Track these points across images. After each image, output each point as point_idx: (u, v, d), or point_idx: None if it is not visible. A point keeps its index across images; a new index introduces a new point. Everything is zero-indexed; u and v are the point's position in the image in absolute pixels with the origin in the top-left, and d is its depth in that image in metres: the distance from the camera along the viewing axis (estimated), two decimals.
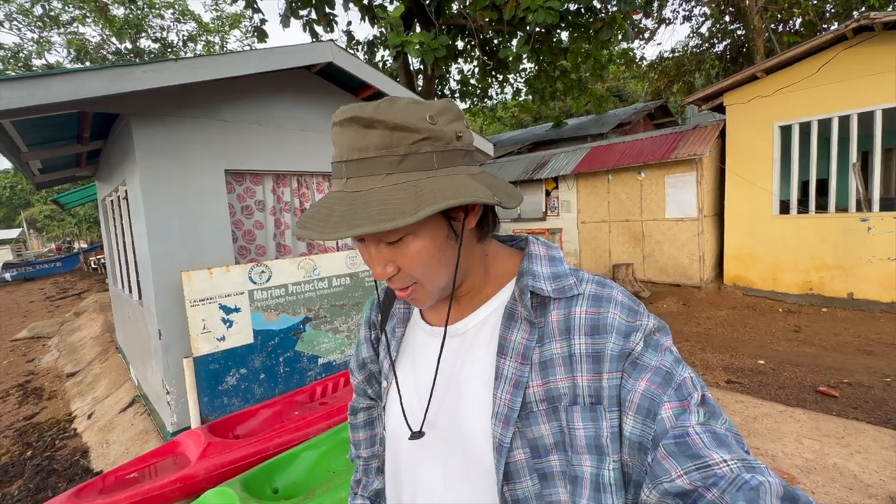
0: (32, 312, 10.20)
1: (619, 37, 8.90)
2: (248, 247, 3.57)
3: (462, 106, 11.28)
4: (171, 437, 2.89)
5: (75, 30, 14.86)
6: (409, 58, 8.24)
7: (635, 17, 8.60)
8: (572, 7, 8.02)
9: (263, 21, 8.26)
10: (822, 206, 6.63)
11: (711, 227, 7.51)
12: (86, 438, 3.68)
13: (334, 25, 8.09)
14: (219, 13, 17.53)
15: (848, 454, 2.62)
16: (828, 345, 4.80)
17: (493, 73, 10.65)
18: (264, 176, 3.61)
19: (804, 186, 7.42)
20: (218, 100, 3.22)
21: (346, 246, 4.13)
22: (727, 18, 13.41)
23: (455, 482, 0.58)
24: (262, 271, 3.15)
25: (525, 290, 0.56)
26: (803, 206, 6.75)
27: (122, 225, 4.00)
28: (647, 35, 13.91)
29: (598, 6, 7.88)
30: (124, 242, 4.01)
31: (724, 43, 14.32)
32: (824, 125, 6.22)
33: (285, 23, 7.96)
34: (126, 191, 3.39)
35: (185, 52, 16.70)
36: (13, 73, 12.21)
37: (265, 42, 8.36)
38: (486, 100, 12.26)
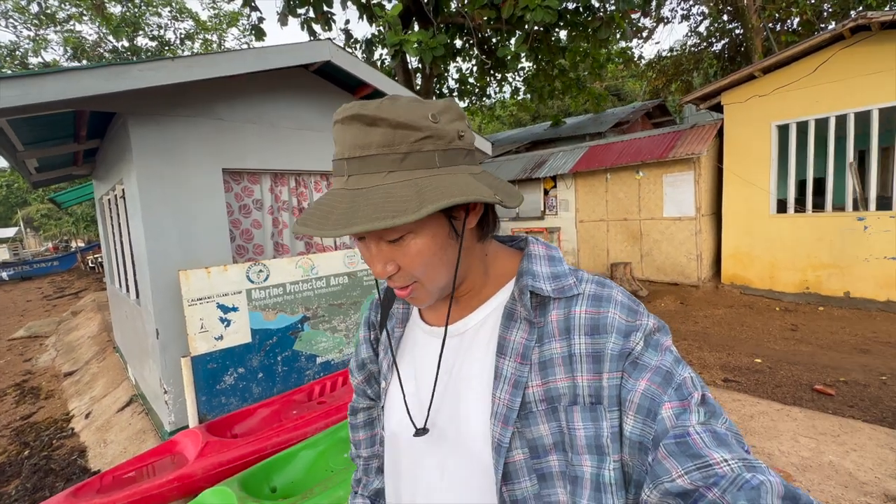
0: (29, 311, 10.16)
1: (618, 36, 8.90)
2: (246, 246, 3.56)
3: (460, 105, 11.26)
4: (168, 437, 2.88)
5: (72, 28, 14.79)
6: (408, 56, 8.22)
7: (633, 15, 8.58)
8: (571, 6, 8.03)
9: (261, 19, 8.23)
10: (818, 206, 6.65)
11: (709, 226, 7.53)
12: (83, 438, 3.67)
13: (332, 24, 8.07)
14: (216, 11, 17.47)
15: (843, 452, 2.64)
16: (824, 343, 4.82)
17: (492, 71, 10.65)
18: (262, 175, 3.60)
19: (801, 185, 7.46)
20: (216, 98, 3.21)
21: (344, 245, 4.12)
22: (725, 17, 13.43)
23: (454, 482, 0.58)
24: (260, 270, 3.14)
25: (524, 290, 0.56)
26: (800, 206, 6.77)
27: (119, 224, 3.98)
28: (645, 34, 13.94)
29: (597, 5, 7.89)
30: (121, 241, 4.00)
31: (723, 42, 14.35)
32: (821, 124, 6.24)
33: (283, 21, 7.93)
34: (123, 189, 3.37)
35: (183, 51, 16.64)
36: (9, 72, 12.14)
37: (263, 40, 8.34)
38: (484, 98, 12.27)
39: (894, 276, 5.67)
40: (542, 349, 0.55)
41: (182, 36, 16.73)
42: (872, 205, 5.92)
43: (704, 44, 14.60)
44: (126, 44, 15.42)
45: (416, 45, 6.18)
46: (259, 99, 3.45)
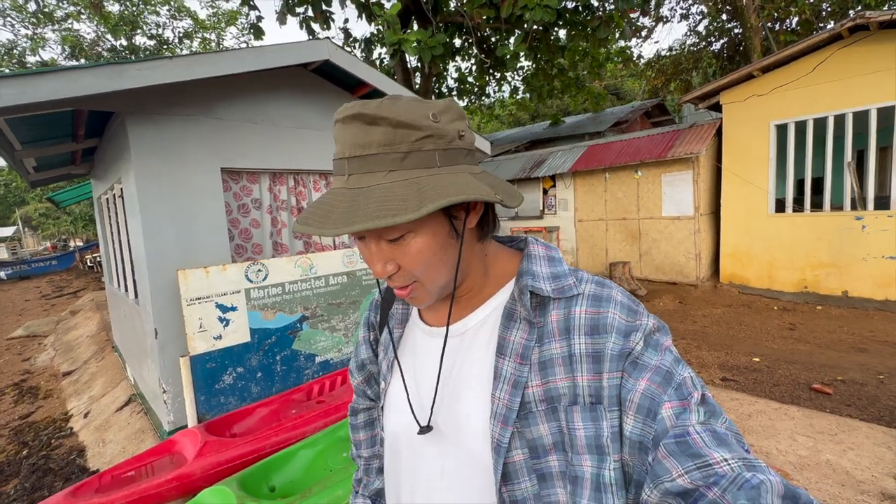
0: (28, 311, 10.13)
1: (617, 35, 8.90)
2: (245, 245, 3.56)
3: (460, 104, 11.26)
4: (167, 436, 2.88)
5: (70, 26, 14.74)
6: (407, 56, 8.21)
7: (633, 14, 8.59)
8: (570, 5, 8.03)
9: (260, 18, 8.22)
10: (817, 205, 6.67)
11: (708, 226, 7.54)
12: (82, 437, 3.66)
13: (331, 23, 8.06)
14: (215, 10, 17.43)
15: (841, 451, 2.65)
16: (822, 342, 4.84)
17: (491, 71, 10.65)
18: (261, 174, 3.60)
19: (800, 185, 7.47)
20: (214, 97, 3.20)
21: (342, 244, 4.12)
22: (724, 17, 13.43)
23: (453, 482, 0.58)
24: (259, 270, 3.14)
25: (524, 290, 0.56)
26: (799, 205, 6.78)
27: (117, 223, 3.97)
28: (644, 33, 13.93)
29: (596, 4, 7.89)
30: (120, 241, 3.99)
31: (722, 41, 14.35)
32: (820, 124, 6.25)
33: (282, 20, 7.92)
34: (121, 189, 3.37)
35: (181, 50, 16.60)
36: (7, 71, 12.10)
37: (261, 39, 8.33)
38: (483, 98, 12.27)
39: (892, 276, 5.68)
40: (542, 349, 0.55)
41: (180, 35, 16.69)
42: (870, 204, 5.94)
43: (703, 43, 14.60)
44: (124, 42, 15.37)
45: (415, 44, 6.17)
46: (258, 98, 3.45)
